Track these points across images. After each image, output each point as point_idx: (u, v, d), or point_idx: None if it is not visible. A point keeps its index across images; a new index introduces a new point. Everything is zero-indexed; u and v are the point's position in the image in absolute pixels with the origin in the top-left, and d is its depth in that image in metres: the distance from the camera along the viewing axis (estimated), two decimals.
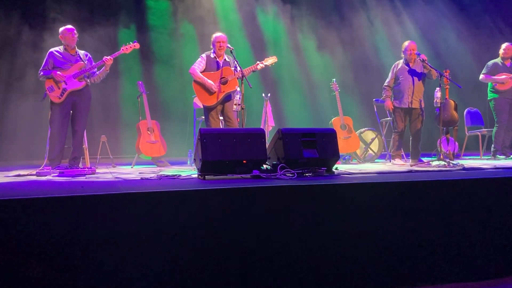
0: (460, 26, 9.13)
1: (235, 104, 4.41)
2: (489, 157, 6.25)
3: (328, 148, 3.71)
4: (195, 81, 4.85)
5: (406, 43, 5.46)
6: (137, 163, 5.73)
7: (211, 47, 4.99)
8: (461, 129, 6.67)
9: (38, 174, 4.07)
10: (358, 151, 6.01)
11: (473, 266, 2.95)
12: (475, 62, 8.37)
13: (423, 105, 5.40)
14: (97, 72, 4.83)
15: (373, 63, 8.91)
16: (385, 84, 5.58)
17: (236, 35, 8.00)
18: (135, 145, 5.72)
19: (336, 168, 4.09)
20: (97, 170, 4.53)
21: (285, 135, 3.61)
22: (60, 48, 4.71)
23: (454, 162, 4.69)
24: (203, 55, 4.95)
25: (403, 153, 5.69)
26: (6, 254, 2.18)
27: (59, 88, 4.57)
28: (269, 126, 6.22)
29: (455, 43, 9.15)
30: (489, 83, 6.29)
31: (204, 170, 3.37)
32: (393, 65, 5.59)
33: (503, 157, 6.09)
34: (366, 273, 2.74)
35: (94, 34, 7.19)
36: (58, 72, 4.55)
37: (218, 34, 4.96)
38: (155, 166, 5.58)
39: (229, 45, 4.80)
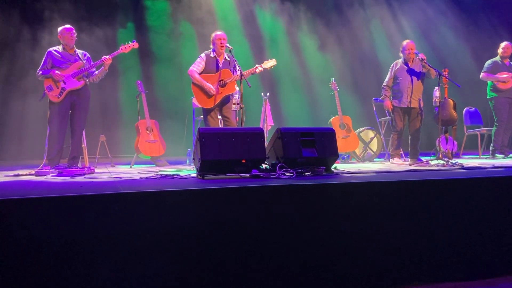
0: (459, 25, 9.13)
1: (234, 104, 4.41)
2: (488, 156, 6.26)
3: (327, 148, 3.71)
4: (194, 83, 4.81)
5: (405, 42, 5.45)
6: (136, 163, 5.73)
7: (211, 46, 4.94)
8: (460, 128, 6.67)
9: (37, 174, 4.07)
10: (357, 151, 6.01)
11: (472, 265, 2.95)
12: (474, 61, 8.35)
13: (422, 105, 5.39)
14: (96, 72, 4.82)
15: (372, 63, 8.90)
16: (384, 83, 5.58)
17: (235, 34, 7.99)
18: (134, 144, 5.72)
19: (335, 168, 4.09)
20: (96, 170, 4.53)
21: (284, 135, 3.61)
22: (58, 48, 4.70)
23: (453, 161, 4.69)
24: (203, 55, 4.87)
25: (402, 152, 5.69)
26: (5, 253, 2.18)
27: (58, 88, 4.57)
28: (268, 126, 6.21)
29: (454, 42, 9.15)
30: (489, 82, 6.28)
31: (203, 169, 3.37)
32: (392, 65, 5.58)
33: (502, 156, 6.09)
34: (365, 272, 2.74)
35: (92, 34, 7.18)
36: (57, 72, 4.54)
37: (218, 32, 4.91)
38: (154, 165, 5.58)
39: (227, 45, 4.78)
